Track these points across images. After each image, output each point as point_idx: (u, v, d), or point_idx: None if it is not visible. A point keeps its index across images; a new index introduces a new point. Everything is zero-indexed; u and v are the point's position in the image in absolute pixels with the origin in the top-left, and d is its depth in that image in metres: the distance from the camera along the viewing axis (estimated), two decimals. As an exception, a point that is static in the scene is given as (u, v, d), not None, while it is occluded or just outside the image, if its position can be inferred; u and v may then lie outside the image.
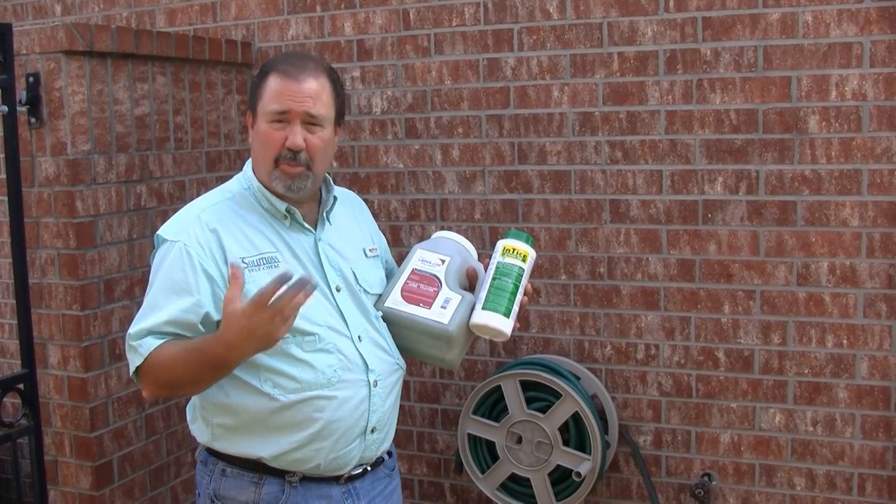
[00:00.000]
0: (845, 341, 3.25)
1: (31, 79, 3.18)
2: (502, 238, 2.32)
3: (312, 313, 2.16)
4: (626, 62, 3.44)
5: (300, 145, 2.16)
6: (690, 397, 3.48)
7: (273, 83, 2.19)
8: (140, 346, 2.08)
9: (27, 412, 2.75)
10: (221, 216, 2.19)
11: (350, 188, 2.67)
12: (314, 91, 2.18)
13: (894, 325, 3.18)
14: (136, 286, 3.45)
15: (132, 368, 2.13)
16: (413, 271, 2.30)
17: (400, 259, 2.45)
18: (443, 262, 2.30)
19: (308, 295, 1.94)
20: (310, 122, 2.18)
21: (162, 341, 2.08)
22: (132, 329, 2.11)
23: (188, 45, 3.65)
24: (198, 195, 2.34)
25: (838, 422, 3.29)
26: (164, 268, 2.13)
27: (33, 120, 3.21)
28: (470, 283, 2.33)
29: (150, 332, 2.09)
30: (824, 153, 3.21)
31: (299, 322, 2.13)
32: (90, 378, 3.30)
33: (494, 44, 3.63)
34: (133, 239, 3.44)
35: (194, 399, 2.27)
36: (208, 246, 2.13)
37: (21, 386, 2.73)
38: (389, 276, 2.46)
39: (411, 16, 3.76)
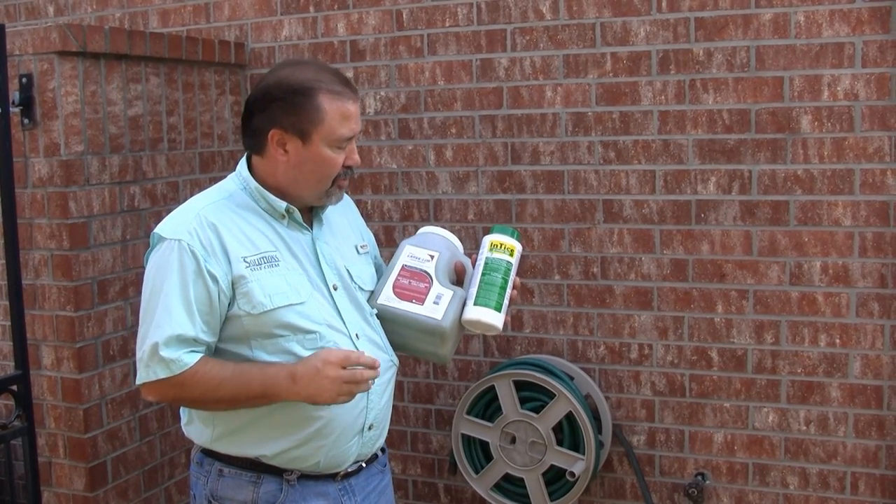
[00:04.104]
0: (838, 340, 3.26)
1: (24, 79, 3.18)
2: (488, 234, 2.33)
3: (313, 312, 2.17)
4: (618, 62, 3.45)
5: (360, 161, 2.27)
6: (684, 397, 3.49)
7: (333, 107, 2.16)
8: (174, 363, 2.07)
9: (21, 413, 2.74)
10: (220, 214, 2.18)
11: (343, 188, 2.67)
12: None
13: (887, 325, 3.19)
14: (129, 287, 3.44)
15: (152, 377, 2.09)
16: (403, 267, 2.31)
17: (389, 257, 2.46)
18: (432, 257, 2.32)
19: (367, 388, 2.12)
20: None
21: (198, 358, 2.09)
22: (157, 337, 2.07)
23: (181, 45, 3.65)
24: (191, 196, 2.33)
25: (831, 421, 3.30)
26: (174, 270, 2.10)
27: (26, 121, 3.20)
28: (458, 277, 2.34)
29: (181, 342, 2.08)
30: (817, 153, 3.22)
31: (300, 321, 2.15)
32: (84, 379, 3.29)
33: (487, 44, 3.64)
34: (127, 240, 3.44)
35: None
36: (210, 245, 2.12)
37: (14, 387, 2.72)
38: (378, 271, 2.47)
39: (404, 16, 3.76)
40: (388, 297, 2.30)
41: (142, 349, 2.11)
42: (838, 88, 3.17)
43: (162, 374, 2.08)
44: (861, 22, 3.12)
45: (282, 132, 2.17)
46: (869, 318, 3.21)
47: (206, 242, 2.12)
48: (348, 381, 2.06)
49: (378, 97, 3.84)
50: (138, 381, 2.14)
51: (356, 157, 2.24)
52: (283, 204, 2.22)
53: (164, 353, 2.06)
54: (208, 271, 2.10)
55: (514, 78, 3.61)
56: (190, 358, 2.08)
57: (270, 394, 2.10)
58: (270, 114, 2.18)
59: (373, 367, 2.10)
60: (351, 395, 2.09)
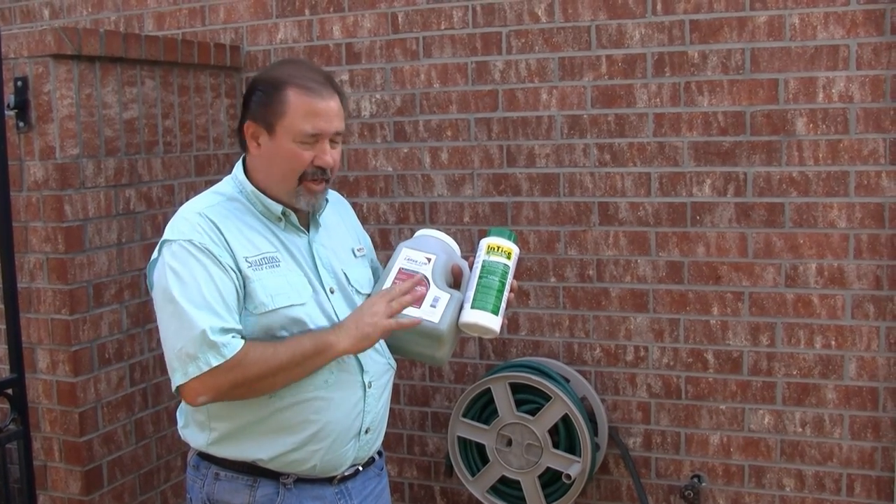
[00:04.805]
0: (833, 342, 3.26)
1: (19, 83, 3.17)
2: (485, 236, 2.33)
3: (314, 313, 2.18)
4: (614, 65, 3.45)
5: (332, 163, 2.20)
6: (680, 399, 3.49)
7: (299, 101, 2.15)
8: (225, 347, 2.01)
9: (16, 417, 2.73)
10: (220, 216, 2.18)
11: (339, 192, 2.67)
12: (338, 108, 2.21)
13: (882, 326, 3.20)
14: (125, 290, 3.44)
15: (203, 368, 2.01)
16: (400, 270, 2.30)
17: (385, 259, 2.45)
18: (429, 260, 2.30)
19: (416, 298, 2.18)
20: (334, 139, 2.20)
21: (242, 340, 2.06)
22: (204, 325, 2.01)
23: (177, 48, 3.65)
24: (187, 199, 2.32)
25: (827, 423, 3.30)
26: (197, 266, 2.08)
27: (21, 124, 3.20)
28: (455, 280, 2.33)
29: (224, 331, 2.04)
30: (812, 155, 3.23)
31: (303, 322, 2.14)
32: (79, 382, 3.29)
33: (483, 47, 3.64)
34: (122, 243, 3.44)
35: (186, 405, 2.26)
36: (221, 242, 2.12)
37: (10, 391, 2.71)
38: (375, 274, 2.47)
39: (400, 19, 3.76)
40: None
41: (180, 346, 2.04)
42: (833, 91, 3.18)
43: (215, 362, 2.01)
44: (855, 24, 3.12)
45: (255, 125, 2.21)
46: (864, 319, 3.22)
47: (216, 240, 2.12)
48: (394, 297, 2.15)
49: (373, 100, 3.84)
50: (187, 378, 2.04)
51: (327, 157, 2.18)
52: (279, 207, 2.22)
53: (214, 337, 2.01)
54: (227, 265, 2.10)
55: (509, 80, 3.61)
56: (238, 341, 2.04)
57: (322, 348, 2.10)
58: (248, 107, 2.23)
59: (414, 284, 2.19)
60: (402, 307, 2.15)
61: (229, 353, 2.02)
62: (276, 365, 2.07)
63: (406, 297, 2.16)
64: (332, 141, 2.20)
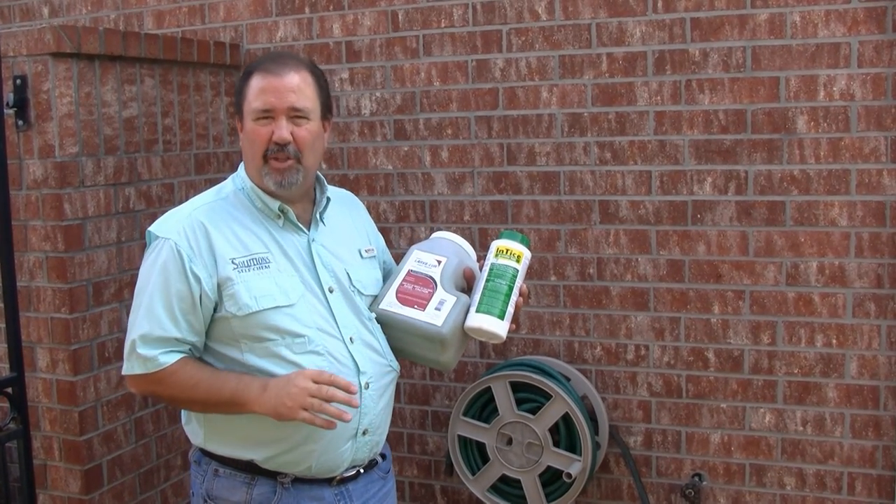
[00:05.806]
0: (834, 341, 3.25)
1: (18, 81, 3.17)
2: (496, 238, 2.31)
3: (302, 315, 2.17)
4: (614, 63, 3.45)
5: (286, 138, 2.18)
6: (680, 398, 3.49)
7: (255, 82, 2.20)
8: (150, 362, 2.12)
9: (15, 416, 2.72)
10: (213, 215, 2.19)
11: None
12: (296, 85, 2.20)
13: (883, 325, 3.19)
14: (124, 289, 3.43)
15: (129, 372, 2.17)
16: (409, 272, 2.29)
17: (398, 260, 2.44)
18: (439, 263, 2.29)
19: (340, 416, 2.08)
20: (295, 115, 2.20)
21: (176, 359, 2.12)
22: (136, 333, 2.13)
23: (176, 47, 3.64)
24: (186, 198, 2.34)
25: (828, 421, 3.29)
26: (158, 268, 2.14)
27: (21, 122, 3.19)
28: (467, 284, 2.32)
29: (160, 341, 2.12)
30: (813, 153, 3.22)
31: (287, 323, 2.14)
32: (79, 381, 3.28)
33: (483, 45, 3.63)
34: (122, 242, 3.43)
35: None
36: (198, 245, 2.14)
37: (9, 390, 2.71)
38: (388, 276, 2.45)
39: (400, 17, 3.75)
40: (390, 302, 2.28)
41: (126, 343, 2.18)
42: (834, 89, 3.17)
43: (138, 371, 2.14)
44: (857, 22, 3.12)
45: (236, 116, 2.28)
46: (865, 318, 3.21)
47: (193, 243, 2.15)
48: (315, 394, 2.05)
49: (373, 98, 3.83)
50: (123, 372, 2.20)
51: (282, 132, 2.17)
52: (277, 203, 2.23)
53: (142, 350, 2.12)
54: (192, 271, 2.13)
55: (509, 79, 3.61)
56: (167, 358, 2.12)
57: (238, 401, 2.11)
58: None
59: (346, 389, 2.09)
60: (311, 411, 2.05)
61: (153, 367, 2.12)
62: (193, 396, 2.16)
63: (326, 406, 2.06)
64: (295, 118, 2.20)
